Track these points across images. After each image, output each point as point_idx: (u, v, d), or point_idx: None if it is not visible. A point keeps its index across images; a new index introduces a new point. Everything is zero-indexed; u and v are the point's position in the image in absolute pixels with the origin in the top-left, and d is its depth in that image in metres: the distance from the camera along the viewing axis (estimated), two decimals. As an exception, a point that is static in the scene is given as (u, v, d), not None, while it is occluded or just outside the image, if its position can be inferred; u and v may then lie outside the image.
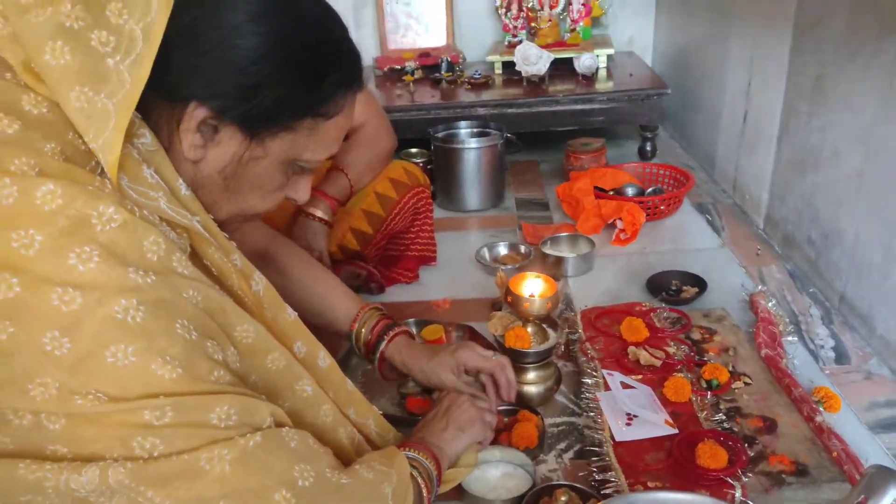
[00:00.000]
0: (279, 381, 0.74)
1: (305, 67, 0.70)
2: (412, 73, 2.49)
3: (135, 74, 0.62)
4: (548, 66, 2.31)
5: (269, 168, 0.73)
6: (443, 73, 2.46)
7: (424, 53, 2.61)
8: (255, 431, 0.63)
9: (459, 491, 0.98)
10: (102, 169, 0.62)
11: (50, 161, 0.59)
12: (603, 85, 2.31)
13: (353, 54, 0.75)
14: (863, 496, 0.69)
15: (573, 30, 2.57)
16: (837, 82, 1.40)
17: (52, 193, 0.57)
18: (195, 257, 0.68)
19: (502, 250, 1.73)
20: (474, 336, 1.35)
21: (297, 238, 1.33)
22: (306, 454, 0.67)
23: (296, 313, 0.81)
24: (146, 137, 0.66)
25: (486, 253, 1.71)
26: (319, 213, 1.40)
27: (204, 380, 0.61)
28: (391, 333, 1.10)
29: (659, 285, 1.49)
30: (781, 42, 1.64)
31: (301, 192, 0.81)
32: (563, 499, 0.88)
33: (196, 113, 0.67)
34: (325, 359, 0.83)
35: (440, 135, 2.02)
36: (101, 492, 0.58)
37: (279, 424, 0.67)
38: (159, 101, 0.67)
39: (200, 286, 0.64)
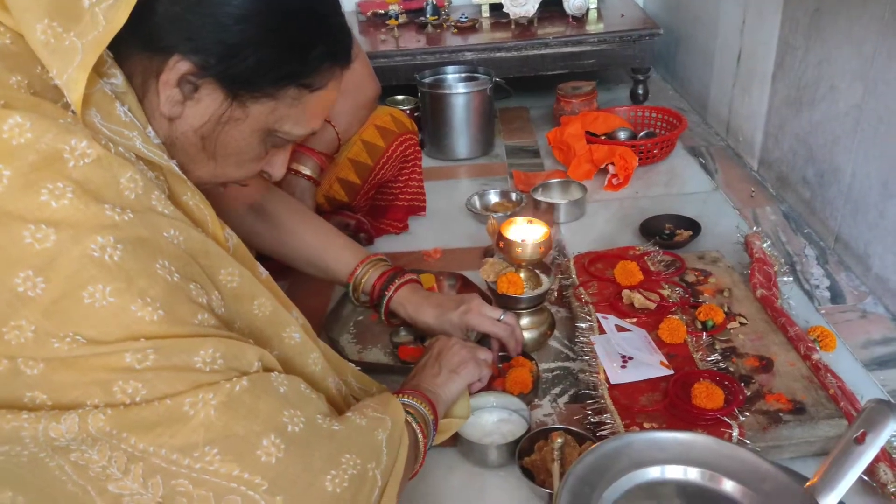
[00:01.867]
0: (266, 327, 0.71)
1: (292, 34, 0.67)
2: (396, 18, 2.41)
3: (111, 18, 0.59)
4: (537, 7, 2.24)
5: (248, 134, 0.71)
6: (428, 16, 2.38)
7: (409, -3, 2.53)
8: (241, 376, 0.61)
9: (456, 437, 0.97)
10: None
11: (16, 94, 0.56)
12: (594, 27, 2.25)
13: (343, 29, 0.73)
14: (862, 430, 0.68)
15: (562, -31, 2.49)
16: (836, 15, 1.35)
17: (21, 127, 0.54)
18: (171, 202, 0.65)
19: (493, 198, 1.70)
20: (467, 284, 1.33)
21: None
22: (296, 399, 0.65)
23: (267, 272, 0.78)
24: (117, 79, 0.63)
25: (476, 201, 1.68)
26: (307, 171, 1.36)
27: (187, 322, 0.59)
28: (395, 285, 1.10)
29: (652, 229, 1.47)
30: (778, -25, 1.58)
31: (277, 167, 0.79)
32: (558, 441, 0.87)
33: (179, 66, 0.64)
34: (298, 317, 0.81)
35: (427, 80, 1.96)
36: (81, 439, 0.56)
37: (267, 369, 0.65)
38: (137, 49, 0.64)
39: (182, 226, 0.61)
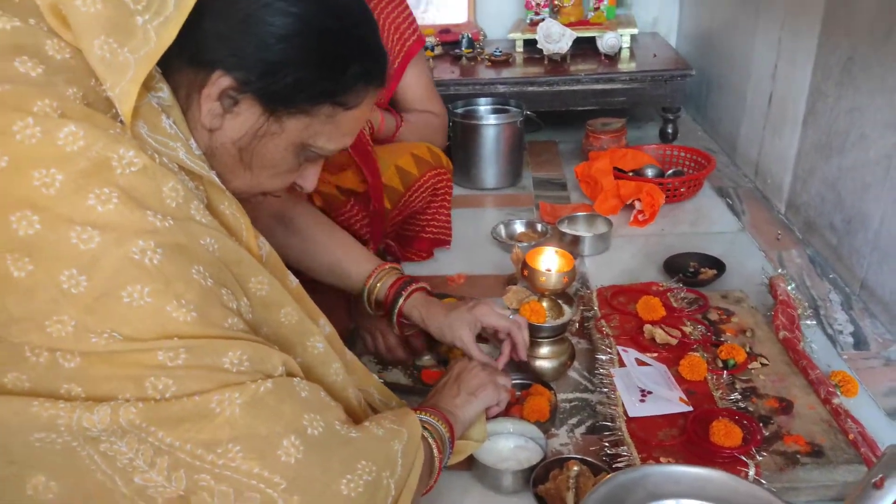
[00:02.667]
0: (291, 335, 0.74)
1: (330, 54, 0.70)
2: (432, 49, 2.47)
3: (161, 34, 0.63)
4: (570, 44, 2.27)
5: (283, 147, 0.74)
6: (463, 49, 2.43)
7: (445, 30, 2.59)
8: (266, 378, 0.64)
9: (471, 461, 0.98)
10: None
11: (72, 105, 0.60)
12: (625, 65, 2.28)
13: (378, 50, 0.76)
14: (881, 475, 0.67)
15: (597, 9, 2.53)
16: (869, 64, 1.37)
17: (74, 135, 0.58)
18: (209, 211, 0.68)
19: (519, 228, 1.72)
20: (488, 310, 1.34)
21: None
22: (317, 405, 0.68)
23: (297, 281, 0.81)
24: (164, 92, 0.67)
25: (502, 230, 1.70)
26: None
27: (218, 325, 0.62)
28: (409, 290, 1.11)
29: (676, 267, 1.48)
30: (811, 23, 1.60)
31: (309, 179, 0.82)
32: (574, 469, 0.88)
33: (220, 81, 0.67)
34: (325, 326, 0.83)
35: (459, 111, 2.00)
36: (112, 431, 0.58)
37: (290, 374, 0.68)
38: (183, 64, 0.67)
39: (218, 235, 0.64)
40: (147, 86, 0.64)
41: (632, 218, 1.75)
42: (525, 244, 1.61)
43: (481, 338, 1.29)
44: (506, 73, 2.26)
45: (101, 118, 0.61)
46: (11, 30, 0.61)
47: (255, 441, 0.61)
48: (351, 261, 1.13)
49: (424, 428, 0.83)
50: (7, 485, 0.60)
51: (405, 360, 1.23)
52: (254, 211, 0.99)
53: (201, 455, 0.60)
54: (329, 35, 0.70)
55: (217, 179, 0.70)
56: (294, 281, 0.80)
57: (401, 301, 1.10)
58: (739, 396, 1.04)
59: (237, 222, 0.72)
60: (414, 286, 1.12)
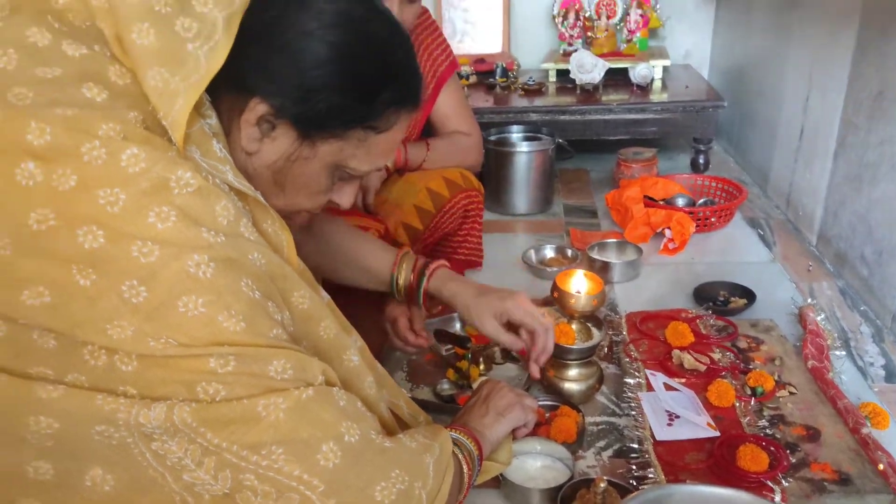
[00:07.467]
0: (329, 349, 0.77)
1: (362, 80, 0.73)
2: (467, 78, 2.53)
3: (210, 59, 0.67)
4: (602, 74, 2.32)
5: (316, 170, 0.77)
6: (497, 78, 2.49)
7: (480, 59, 2.65)
8: (308, 386, 0.67)
9: (499, 479, 1.00)
10: None
11: (133, 128, 0.64)
12: (657, 96, 2.31)
13: (413, 75, 0.79)
14: (907, 502, 0.69)
15: (629, 40, 2.58)
16: (900, 98, 1.38)
17: (136, 157, 0.62)
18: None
19: (549, 253, 1.75)
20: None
21: None
22: (354, 414, 0.71)
23: (329, 296, 0.84)
24: (213, 119, 0.71)
25: (532, 255, 1.73)
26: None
27: (264, 335, 0.65)
28: (430, 269, 1.14)
29: (706, 295, 1.49)
30: (842, 57, 1.62)
31: (345, 197, 0.85)
32: (602, 485, 0.89)
33: (258, 108, 0.71)
34: (357, 340, 0.86)
35: (492, 138, 2.05)
36: (165, 429, 0.62)
37: (329, 384, 0.71)
38: (225, 89, 0.71)
39: (264, 250, 0.69)
40: (198, 112, 0.69)
41: (662, 246, 1.76)
42: (555, 269, 1.64)
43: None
44: (538, 102, 2.31)
45: (159, 141, 0.65)
46: (80, 57, 0.65)
47: (297, 445, 0.65)
48: (373, 257, 1.16)
49: (455, 444, 0.85)
50: (67, 476, 0.64)
51: (423, 343, 1.23)
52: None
53: (246, 456, 0.63)
54: (362, 62, 0.73)
55: (262, 198, 0.74)
56: (325, 296, 0.83)
57: (424, 282, 1.13)
58: (767, 423, 1.05)
59: (279, 239, 0.76)
60: (435, 264, 1.14)
